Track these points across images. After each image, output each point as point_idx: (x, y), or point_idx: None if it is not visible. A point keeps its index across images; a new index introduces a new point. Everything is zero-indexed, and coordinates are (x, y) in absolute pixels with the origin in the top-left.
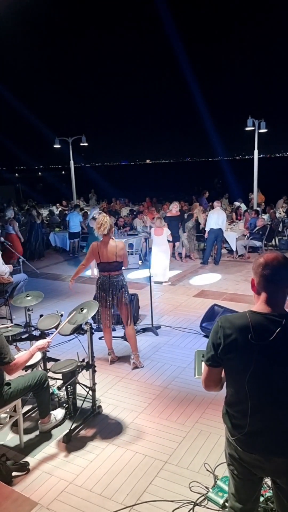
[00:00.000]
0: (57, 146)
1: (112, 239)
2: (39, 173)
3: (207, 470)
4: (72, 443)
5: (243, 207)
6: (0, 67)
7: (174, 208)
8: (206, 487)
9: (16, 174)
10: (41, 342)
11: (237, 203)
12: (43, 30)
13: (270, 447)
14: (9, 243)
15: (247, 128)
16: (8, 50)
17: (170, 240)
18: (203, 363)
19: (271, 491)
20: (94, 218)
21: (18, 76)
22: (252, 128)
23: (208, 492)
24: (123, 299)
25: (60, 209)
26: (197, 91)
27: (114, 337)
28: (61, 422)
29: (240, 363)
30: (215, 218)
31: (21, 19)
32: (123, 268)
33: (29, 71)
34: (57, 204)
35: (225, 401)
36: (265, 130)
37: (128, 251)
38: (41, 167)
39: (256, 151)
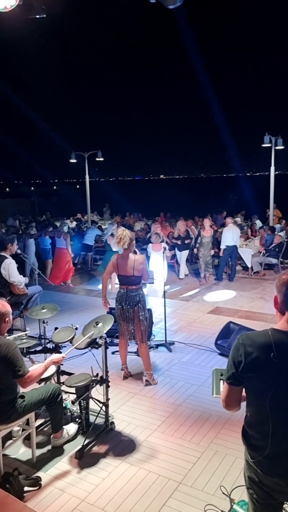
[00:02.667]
0: (73, 160)
1: (133, 253)
2: (54, 187)
3: (223, 493)
4: (85, 460)
5: (258, 223)
6: (20, 83)
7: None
8: (222, 511)
9: (32, 188)
10: (55, 356)
11: (238, 219)
12: (64, 45)
13: None
14: (25, 255)
15: (264, 145)
16: (29, 66)
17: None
18: (221, 381)
19: None
20: (112, 235)
21: (37, 92)
22: (269, 145)
23: None
24: (138, 315)
25: (75, 223)
26: (214, 107)
27: (128, 352)
28: (74, 437)
29: (261, 382)
30: (230, 235)
31: (41, 34)
32: (142, 282)
33: (48, 87)
34: (71, 218)
35: (245, 421)
36: (281, 147)
37: None
38: (56, 181)
39: (272, 168)
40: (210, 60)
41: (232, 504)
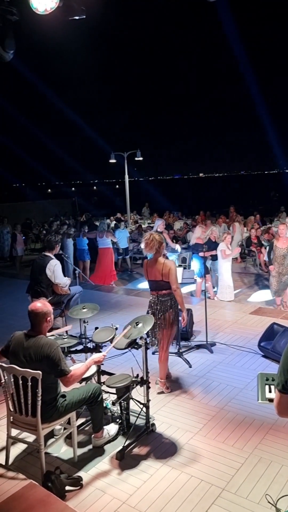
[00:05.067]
0: (113, 160)
1: (162, 257)
2: (95, 187)
3: (268, 502)
4: (126, 461)
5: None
6: (61, 84)
7: (201, 233)
8: None
9: (73, 188)
10: (97, 356)
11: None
12: (103, 45)
13: None
14: (66, 255)
15: None
16: (70, 67)
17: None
18: (266, 386)
19: None
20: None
21: (78, 93)
22: None
23: None
24: (169, 320)
25: (114, 222)
26: (255, 101)
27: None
28: (114, 437)
29: None
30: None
31: (81, 35)
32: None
33: (88, 88)
34: (111, 217)
35: None
36: None
37: (182, 265)
38: (96, 181)
39: None
40: (253, 53)
41: None
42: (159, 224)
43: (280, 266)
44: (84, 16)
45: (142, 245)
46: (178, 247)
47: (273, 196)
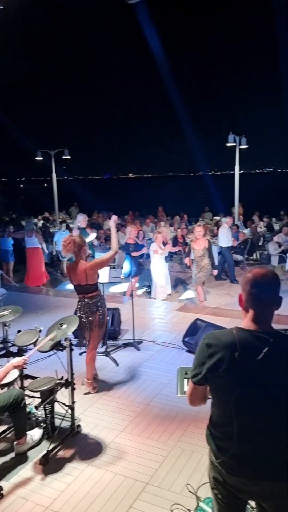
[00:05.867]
0: (39, 158)
1: (85, 259)
2: (21, 185)
3: (190, 491)
4: (50, 465)
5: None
6: None
7: (132, 232)
8: (188, 510)
9: None
10: (16, 360)
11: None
12: (26, 39)
13: (257, 470)
14: None
15: (228, 144)
16: None
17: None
18: (185, 380)
19: None
20: (79, 228)
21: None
22: (233, 144)
23: None
24: (95, 321)
25: (42, 222)
26: (180, 106)
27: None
28: (38, 442)
29: (226, 382)
30: None
31: (4, 28)
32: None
33: (11, 82)
34: (39, 217)
35: (209, 422)
36: (245, 146)
37: (111, 265)
38: (22, 179)
39: (237, 167)
40: (174, 58)
41: (198, 502)
42: (81, 220)
43: (197, 268)
44: (2, 7)
45: (60, 247)
46: (93, 235)
47: (198, 198)
